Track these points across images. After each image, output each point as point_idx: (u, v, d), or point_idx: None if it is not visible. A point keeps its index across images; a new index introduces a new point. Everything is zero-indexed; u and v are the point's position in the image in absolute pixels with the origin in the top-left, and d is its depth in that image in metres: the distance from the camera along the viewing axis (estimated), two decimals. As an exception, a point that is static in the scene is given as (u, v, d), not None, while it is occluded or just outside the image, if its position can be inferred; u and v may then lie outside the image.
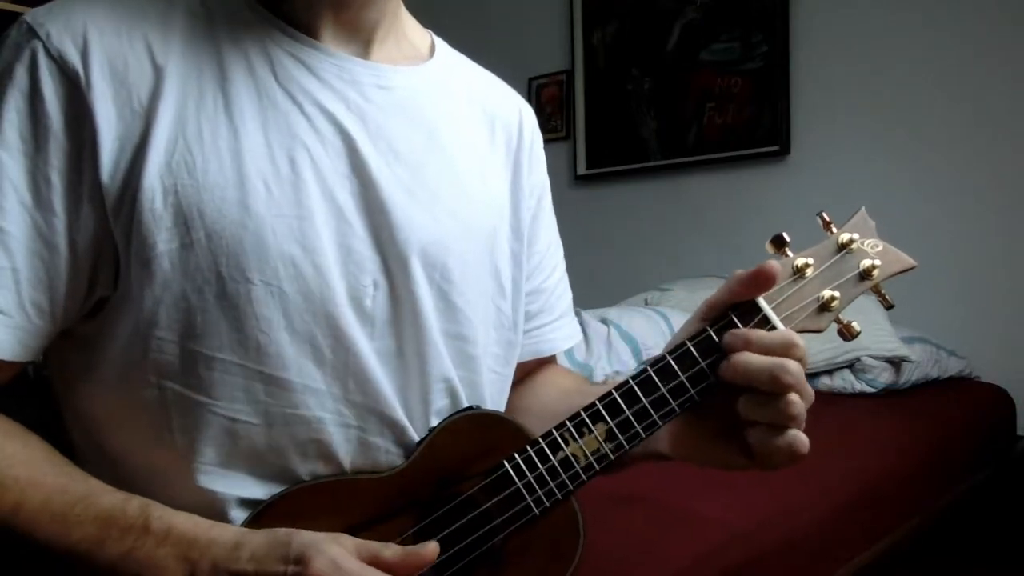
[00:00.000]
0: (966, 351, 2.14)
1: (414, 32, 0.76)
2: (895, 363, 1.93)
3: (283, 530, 0.56)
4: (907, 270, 0.66)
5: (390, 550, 0.56)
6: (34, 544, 0.55)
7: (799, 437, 0.57)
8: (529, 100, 0.86)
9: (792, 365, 0.57)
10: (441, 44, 0.78)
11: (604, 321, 1.93)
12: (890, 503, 1.45)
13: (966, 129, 2.24)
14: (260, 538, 0.56)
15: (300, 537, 0.55)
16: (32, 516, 0.55)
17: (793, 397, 0.56)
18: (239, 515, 0.61)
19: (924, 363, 1.98)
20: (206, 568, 0.54)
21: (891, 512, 1.46)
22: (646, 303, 2.33)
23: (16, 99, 0.57)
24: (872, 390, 1.92)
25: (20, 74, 0.57)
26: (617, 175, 2.94)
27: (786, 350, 0.58)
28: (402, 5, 0.73)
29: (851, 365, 1.96)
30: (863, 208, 0.68)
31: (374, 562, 0.56)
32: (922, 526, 1.53)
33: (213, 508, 0.60)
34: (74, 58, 0.57)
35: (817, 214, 0.67)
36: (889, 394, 1.93)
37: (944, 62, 2.27)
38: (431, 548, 0.57)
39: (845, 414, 1.73)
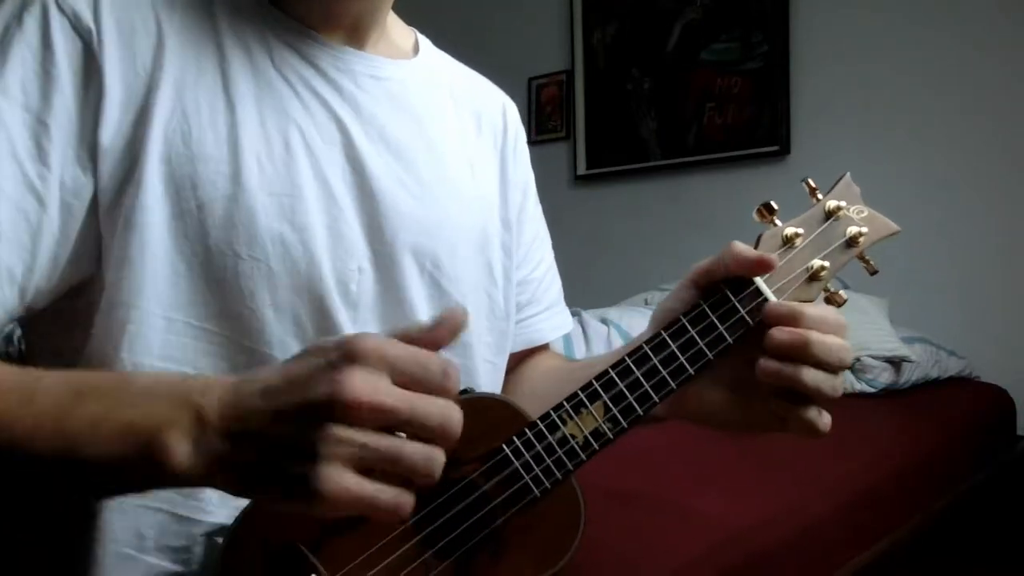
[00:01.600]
0: (966, 351, 2.14)
1: (399, 33, 0.77)
2: (895, 363, 1.93)
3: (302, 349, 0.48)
4: (892, 235, 0.67)
5: (416, 326, 0.48)
6: (8, 444, 0.47)
7: (824, 415, 0.59)
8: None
9: (849, 348, 0.59)
10: (425, 42, 0.79)
11: (604, 321, 1.93)
12: (890, 503, 1.45)
13: (966, 129, 2.24)
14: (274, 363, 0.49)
15: (331, 339, 0.46)
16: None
17: (841, 376, 0.59)
18: (217, 495, 0.60)
19: (924, 363, 1.98)
20: (214, 405, 0.45)
21: (891, 512, 1.45)
22: (646, 303, 2.33)
23: (23, 52, 0.56)
24: (872, 390, 1.92)
25: (30, 25, 0.57)
26: (617, 175, 2.94)
27: (839, 330, 0.59)
28: (390, 4, 0.73)
29: (851, 365, 1.96)
30: (847, 174, 0.69)
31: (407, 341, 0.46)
32: (922, 526, 1.53)
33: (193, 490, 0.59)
34: (87, 16, 0.58)
35: (802, 180, 0.67)
36: (889, 394, 1.93)
37: (944, 62, 2.26)
38: (460, 310, 0.49)
39: (845, 414, 1.72)
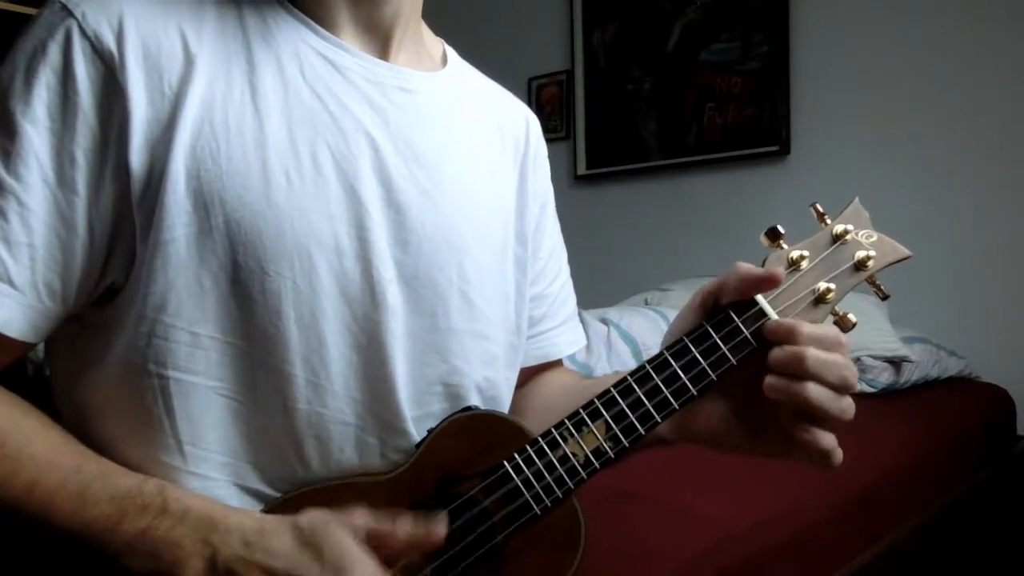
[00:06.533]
0: (966, 351, 2.14)
1: (430, 41, 0.77)
2: (895, 363, 1.93)
3: (308, 523, 0.56)
4: (902, 260, 0.66)
5: (397, 531, 0.57)
6: (49, 522, 0.55)
7: (837, 451, 0.61)
8: (529, 100, 0.87)
9: (854, 369, 0.59)
10: (452, 54, 0.79)
11: (604, 321, 1.93)
12: (890, 503, 1.45)
13: (966, 129, 2.24)
14: (287, 530, 0.56)
15: (332, 539, 0.55)
16: (48, 494, 0.55)
17: (850, 400, 0.59)
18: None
19: (924, 363, 1.98)
20: (229, 553, 0.54)
21: (891, 512, 1.45)
22: (646, 303, 2.33)
23: (48, 76, 0.57)
24: (872, 390, 1.92)
25: (53, 51, 0.58)
26: (617, 175, 2.94)
27: (837, 347, 0.59)
28: (419, 13, 0.74)
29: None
30: (856, 199, 0.68)
31: (382, 543, 0.56)
32: (922, 526, 1.53)
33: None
34: (109, 39, 0.58)
35: (811, 205, 0.67)
36: (889, 394, 1.92)
37: (944, 62, 2.26)
38: (439, 531, 0.58)
39: (845, 414, 1.72)
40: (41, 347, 0.65)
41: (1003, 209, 2.19)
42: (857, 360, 1.92)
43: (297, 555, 0.54)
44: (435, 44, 0.78)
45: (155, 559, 0.55)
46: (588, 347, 1.80)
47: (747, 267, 0.61)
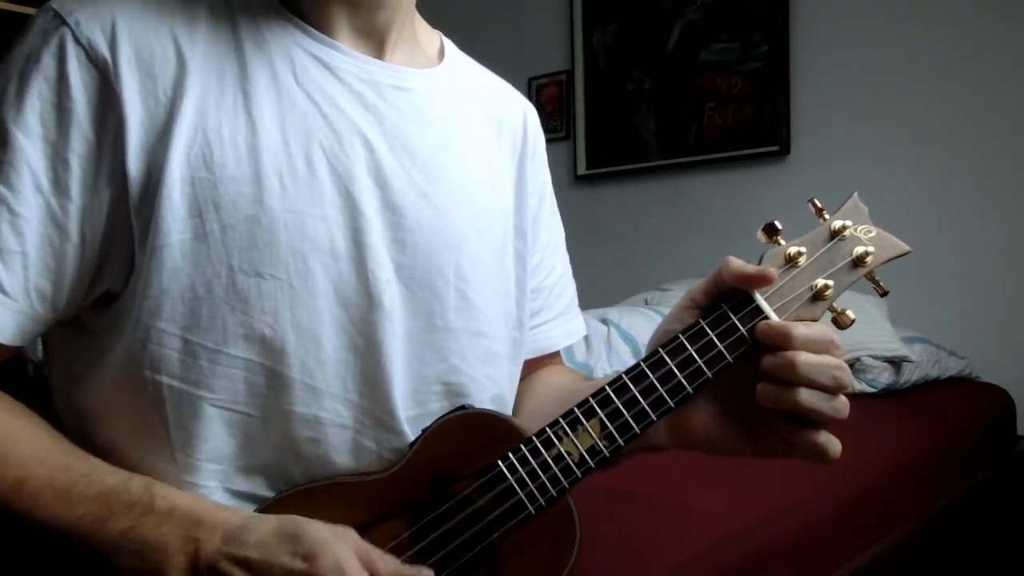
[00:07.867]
0: (966, 351, 2.14)
1: (426, 37, 0.77)
2: (895, 363, 1.93)
3: (290, 519, 0.57)
4: (901, 255, 0.65)
5: (385, 563, 0.57)
6: (35, 521, 0.55)
7: (833, 442, 0.60)
8: (529, 100, 0.86)
9: (847, 368, 0.58)
10: (450, 46, 0.79)
11: (604, 321, 1.93)
12: (890, 503, 1.45)
13: (966, 129, 2.23)
14: (268, 524, 0.56)
15: (310, 531, 0.55)
16: (34, 492, 0.55)
17: (844, 398, 0.58)
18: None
19: (924, 363, 1.98)
20: (211, 549, 0.55)
21: (891, 512, 1.45)
22: (646, 303, 2.33)
23: (41, 85, 0.57)
24: (872, 390, 1.92)
25: (47, 60, 0.58)
26: (617, 175, 2.94)
27: (829, 348, 0.58)
28: (415, 10, 0.73)
29: (851, 365, 1.95)
30: (855, 194, 0.67)
31: (369, 567, 0.56)
32: (922, 526, 1.53)
33: None
34: (103, 47, 0.58)
35: (808, 200, 0.65)
36: (889, 394, 1.92)
37: (944, 62, 2.26)
38: (425, 573, 0.58)
39: (845, 414, 1.72)
40: (41, 348, 0.65)
41: (1003, 209, 2.19)
42: (857, 360, 1.92)
43: (272, 546, 0.55)
44: (431, 39, 0.78)
45: (141, 557, 0.55)
46: (588, 347, 1.80)
47: (738, 263, 0.61)
